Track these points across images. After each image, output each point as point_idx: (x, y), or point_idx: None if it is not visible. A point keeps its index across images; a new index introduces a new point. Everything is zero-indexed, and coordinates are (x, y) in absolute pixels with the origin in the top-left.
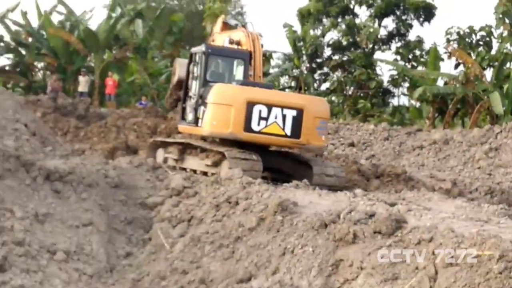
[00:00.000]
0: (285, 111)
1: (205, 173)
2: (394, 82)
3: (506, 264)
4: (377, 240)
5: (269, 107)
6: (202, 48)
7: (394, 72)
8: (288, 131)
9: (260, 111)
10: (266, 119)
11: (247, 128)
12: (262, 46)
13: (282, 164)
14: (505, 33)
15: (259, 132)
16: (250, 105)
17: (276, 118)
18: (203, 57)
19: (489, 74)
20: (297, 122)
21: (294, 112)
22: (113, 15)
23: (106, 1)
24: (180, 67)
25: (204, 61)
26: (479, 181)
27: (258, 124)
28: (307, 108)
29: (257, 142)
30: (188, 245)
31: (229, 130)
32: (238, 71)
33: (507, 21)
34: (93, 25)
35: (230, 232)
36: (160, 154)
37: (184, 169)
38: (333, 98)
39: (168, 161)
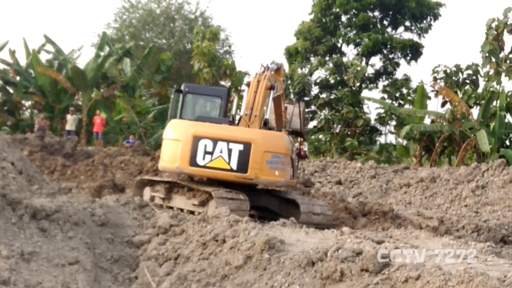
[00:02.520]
0: (231, 145)
1: (192, 212)
2: (381, 120)
3: None
4: (364, 278)
5: (215, 141)
6: (182, 87)
7: (381, 110)
8: (234, 165)
9: (205, 146)
10: (211, 153)
11: (193, 162)
12: (273, 87)
13: (269, 202)
14: (491, 72)
15: (205, 167)
16: (196, 139)
17: (221, 152)
18: (180, 95)
19: (475, 112)
20: (244, 156)
21: (240, 147)
22: (101, 53)
23: (95, 40)
24: None
25: (181, 100)
26: (466, 219)
27: (203, 159)
28: (256, 143)
29: (203, 176)
30: (175, 283)
31: (176, 165)
32: (216, 109)
33: (493, 59)
34: (81, 63)
35: (217, 270)
36: (147, 192)
37: (171, 207)
38: (321, 136)
39: (155, 200)
